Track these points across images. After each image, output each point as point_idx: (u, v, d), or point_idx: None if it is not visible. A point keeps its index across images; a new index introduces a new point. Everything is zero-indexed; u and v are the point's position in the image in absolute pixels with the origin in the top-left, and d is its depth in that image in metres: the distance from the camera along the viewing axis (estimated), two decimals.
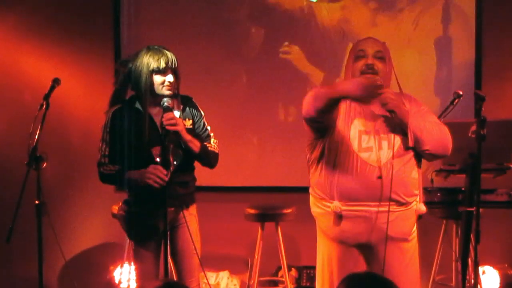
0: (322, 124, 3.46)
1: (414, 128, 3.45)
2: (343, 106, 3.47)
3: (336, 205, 3.38)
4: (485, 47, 5.43)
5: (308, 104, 3.40)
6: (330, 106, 3.31)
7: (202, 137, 3.87)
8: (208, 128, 3.91)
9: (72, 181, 4.72)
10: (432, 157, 3.57)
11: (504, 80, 5.32)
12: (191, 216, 3.88)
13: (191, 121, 3.81)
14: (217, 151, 3.88)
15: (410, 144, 3.42)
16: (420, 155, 3.49)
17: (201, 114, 3.90)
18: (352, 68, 3.49)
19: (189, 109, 3.86)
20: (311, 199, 3.62)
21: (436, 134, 3.48)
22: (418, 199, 3.52)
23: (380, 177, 3.35)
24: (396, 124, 3.45)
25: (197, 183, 3.98)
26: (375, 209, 3.38)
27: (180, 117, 3.70)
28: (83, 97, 5.08)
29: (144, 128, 3.69)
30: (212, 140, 3.90)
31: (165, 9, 5.68)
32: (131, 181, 3.73)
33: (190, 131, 3.78)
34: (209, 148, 3.81)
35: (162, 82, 3.69)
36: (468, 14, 5.46)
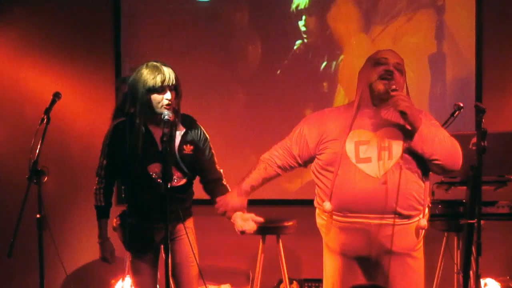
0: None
1: (426, 135, 3.35)
2: (336, 125, 3.47)
3: (327, 206, 3.38)
4: (485, 61, 5.45)
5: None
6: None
7: (210, 169, 3.88)
8: (213, 153, 3.89)
9: (73, 195, 4.73)
10: (440, 169, 3.46)
11: (505, 93, 5.33)
12: (188, 229, 3.86)
13: (192, 146, 3.77)
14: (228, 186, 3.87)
15: (419, 148, 3.35)
16: (425, 167, 3.42)
17: (207, 138, 3.87)
18: (369, 73, 3.44)
19: (192, 133, 3.83)
20: (317, 210, 3.61)
21: (447, 146, 3.39)
22: (423, 213, 3.44)
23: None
24: (398, 135, 3.42)
25: (200, 197, 3.98)
26: (375, 221, 3.37)
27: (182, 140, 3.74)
28: (84, 111, 5.10)
29: (138, 145, 3.69)
30: (220, 172, 3.89)
31: (164, 26, 5.73)
32: (99, 227, 3.84)
33: (188, 157, 3.79)
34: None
35: (160, 101, 3.65)
36: (465, 29, 5.50)
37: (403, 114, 3.29)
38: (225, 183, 3.87)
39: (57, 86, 4.48)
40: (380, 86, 3.37)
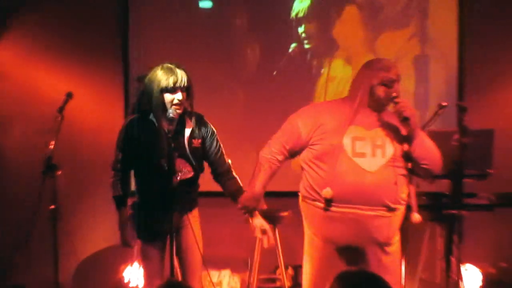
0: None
1: (422, 141, 3.44)
2: (333, 120, 3.47)
3: (328, 191, 3.36)
4: (467, 63, 5.46)
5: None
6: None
7: (219, 161, 3.90)
8: (221, 146, 3.91)
9: (84, 187, 4.73)
10: (426, 172, 3.51)
11: (485, 92, 5.33)
12: (194, 219, 3.88)
13: (200, 140, 3.79)
14: (241, 185, 3.90)
15: (417, 153, 3.38)
16: (410, 171, 3.41)
17: (214, 132, 3.88)
18: (371, 77, 3.45)
19: (200, 128, 3.84)
20: (301, 199, 3.62)
21: (434, 152, 3.49)
22: (411, 208, 3.38)
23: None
24: (393, 135, 3.45)
25: (203, 189, 3.99)
26: (366, 212, 3.37)
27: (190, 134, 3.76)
28: (94, 110, 5.09)
29: (155, 141, 3.68)
30: (228, 163, 3.92)
31: (170, 30, 5.72)
32: (120, 215, 3.85)
33: (197, 150, 3.79)
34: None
35: (171, 101, 3.65)
36: (448, 33, 5.52)
37: (406, 120, 3.32)
38: (234, 175, 3.91)
39: (69, 86, 4.47)
40: (380, 92, 3.42)
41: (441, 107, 4.13)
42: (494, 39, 5.39)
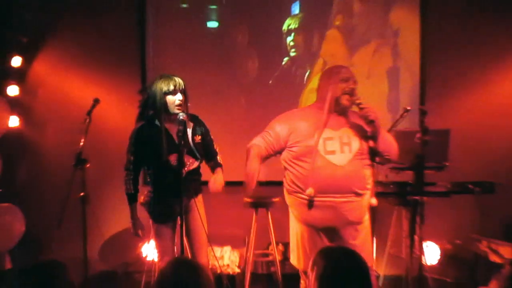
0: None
1: (384, 137, 3.51)
2: (306, 125, 3.50)
3: (310, 191, 3.38)
4: (428, 75, 5.46)
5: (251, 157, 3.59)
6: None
7: (212, 151, 3.95)
8: (212, 139, 3.96)
9: (108, 178, 4.73)
10: (387, 161, 3.63)
11: (443, 98, 5.34)
12: (199, 203, 3.92)
13: (200, 136, 3.84)
14: (222, 164, 3.98)
15: (381, 147, 3.47)
16: (372, 158, 3.51)
17: (208, 130, 3.94)
18: (335, 88, 3.46)
19: (199, 127, 3.88)
20: (286, 192, 3.64)
21: (394, 145, 3.57)
22: (370, 192, 3.53)
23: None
24: (356, 133, 3.49)
25: (208, 178, 3.99)
26: (340, 199, 3.40)
27: (192, 132, 3.79)
28: (117, 112, 5.09)
29: (161, 140, 3.71)
30: (218, 157, 3.98)
31: (182, 45, 5.70)
32: (131, 210, 3.88)
33: (198, 145, 3.83)
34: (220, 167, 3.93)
35: (173, 101, 3.70)
36: (413, 49, 5.52)
37: (371, 122, 3.38)
38: (218, 158, 3.99)
39: (96, 93, 4.47)
40: (344, 101, 3.47)
41: (406, 111, 4.15)
42: (451, 56, 5.40)
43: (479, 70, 5.38)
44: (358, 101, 3.43)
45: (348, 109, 3.51)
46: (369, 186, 3.47)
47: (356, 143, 3.44)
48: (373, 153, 3.47)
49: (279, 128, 3.56)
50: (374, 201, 3.53)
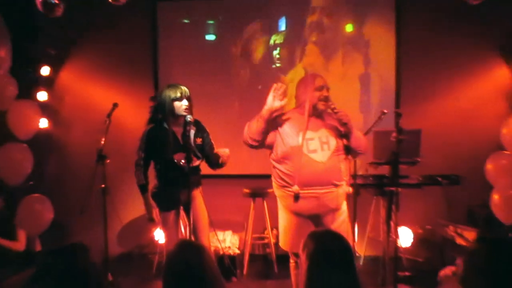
0: (258, 147, 3.54)
1: (356, 136, 3.54)
2: (289, 126, 3.50)
3: (296, 188, 3.42)
4: (403, 82, 5.47)
5: (252, 130, 3.48)
6: (264, 129, 3.43)
7: (210, 150, 3.94)
8: (212, 142, 3.98)
9: (125, 172, 4.70)
10: (358, 154, 3.65)
11: (416, 102, 5.35)
12: (199, 194, 3.97)
13: (201, 139, 3.88)
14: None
15: (353, 144, 3.49)
16: (347, 153, 3.53)
17: (208, 133, 3.97)
18: (312, 96, 3.49)
19: (200, 130, 3.91)
20: (275, 186, 3.65)
21: (365, 142, 3.63)
22: (347, 183, 3.58)
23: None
24: (333, 133, 3.52)
25: (212, 173, 4.05)
26: (322, 191, 3.44)
27: (194, 135, 3.81)
28: (132, 115, 5.09)
29: (169, 141, 3.77)
30: (216, 153, 3.93)
31: (186, 56, 5.69)
32: (144, 198, 3.91)
33: (200, 146, 3.87)
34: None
35: (180, 106, 3.76)
36: (385, 57, 5.50)
37: (345, 124, 3.44)
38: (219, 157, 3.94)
39: (115, 98, 4.47)
40: (321, 106, 3.52)
41: (383, 113, 4.15)
42: (423, 65, 5.40)
43: (447, 77, 5.38)
44: (332, 106, 3.48)
45: (323, 112, 3.55)
46: (345, 178, 3.52)
47: (333, 142, 3.48)
48: (347, 149, 3.51)
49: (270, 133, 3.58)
50: (349, 189, 3.62)
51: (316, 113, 3.53)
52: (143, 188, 3.87)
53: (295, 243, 3.40)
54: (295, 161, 3.42)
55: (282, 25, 5.60)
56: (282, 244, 3.70)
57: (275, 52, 5.63)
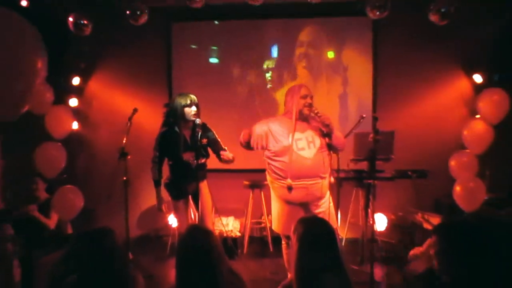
0: (247, 148, 3.61)
1: (336, 135, 3.56)
2: (280, 129, 3.53)
3: (289, 181, 3.44)
4: (379, 89, 5.48)
5: (241, 140, 3.60)
6: (247, 140, 3.55)
7: (219, 146, 3.94)
8: (219, 140, 3.98)
9: (144, 167, 4.71)
10: (338, 151, 3.64)
11: (389, 109, 5.36)
12: (205, 186, 3.99)
13: (206, 140, 3.88)
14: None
15: (334, 142, 3.51)
16: (329, 151, 3.55)
17: (213, 133, 3.97)
18: (297, 102, 3.52)
19: (206, 132, 3.91)
20: (269, 178, 3.66)
21: (344, 141, 3.64)
22: (330, 175, 3.60)
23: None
24: (317, 133, 3.54)
25: (217, 168, 4.08)
26: (310, 182, 3.46)
27: (201, 136, 3.80)
28: (150, 119, 5.06)
29: (179, 142, 3.80)
30: (226, 149, 3.94)
31: (195, 73, 5.67)
32: (156, 191, 3.95)
33: (206, 145, 3.89)
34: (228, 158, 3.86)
35: (190, 112, 3.78)
36: (362, 78, 5.52)
37: (327, 126, 3.46)
38: (227, 150, 3.95)
39: (135, 104, 4.46)
40: (306, 111, 3.55)
41: (362, 118, 4.17)
42: (396, 76, 5.42)
43: (417, 87, 5.39)
44: (316, 111, 3.51)
45: (308, 116, 3.56)
46: (328, 171, 3.52)
47: (318, 141, 3.51)
48: (329, 147, 3.53)
49: (259, 130, 3.59)
50: (332, 179, 3.65)
51: (302, 117, 3.55)
52: (156, 183, 3.92)
53: (287, 227, 3.45)
54: (287, 157, 3.43)
55: (274, 53, 5.62)
56: (275, 228, 3.71)
57: (268, 75, 5.64)
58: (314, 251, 2.20)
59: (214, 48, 5.69)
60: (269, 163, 3.60)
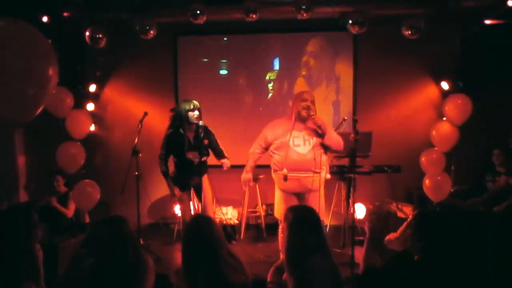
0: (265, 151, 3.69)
1: (330, 137, 3.55)
2: (281, 129, 3.55)
3: (285, 171, 3.44)
4: (359, 94, 5.50)
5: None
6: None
7: (218, 148, 4.00)
8: (218, 141, 4.02)
9: (153, 163, 4.70)
10: (333, 152, 3.66)
11: (367, 112, 5.38)
12: (206, 179, 3.99)
13: (207, 140, 3.88)
14: (226, 156, 4.05)
15: (326, 142, 3.51)
16: (324, 149, 3.54)
17: (214, 134, 4.00)
18: (298, 105, 3.53)
19: (207, 133, 3.91)
20: (272, 170, 3.66)
21: (338, 141, 3.60)
22: (325, 171, 3.58)
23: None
24: (313, 134, 3.52)
25: (213, 163, 4.08)
26: (304, 175, 3.46)
27: (202, 137, 3.80)
28: (159, 121, 5.06)
29: (183, 142, 3.82)
30: (221, 149, 4.02)
31: (201, 83, 5.64)
32: (166, 180, 3.95)
33: (206, 145, 3.88)
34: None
35: (193, 115, 3.80)
36: (347, 79, 5.52)
37: (320, 126, 3.45)
38: (224, 154, 4.03)
39: (145, 108, 4.48)
40: (304, 113, 3.52)
41: (343, 120, 4.19)
42: (373, 83, 5.44)
43: (391, 93, 5.41)
44: (312, 113, 3.48)
45: (306, 118, 3.54)
46: (324, 167, 3.52)
47: (312, 140, 3.50)
48: (324, 146, 3.52)
49: (267, 133, 3.65)
50: (328, 176, 3.65)
51: (301, 118, 3.54)
52: (165, 174, 3.93)
53: (283, 212, 3.45)
54: (284, 152, 3.45)
55: (277, 64, 5.59)
56: (275, 213, 3.74)
57: (270, 85, 5.61)
58: (302, 235, 2.22)
59: (224, 61, 5.65)
60: (271, 155, 3.64)
